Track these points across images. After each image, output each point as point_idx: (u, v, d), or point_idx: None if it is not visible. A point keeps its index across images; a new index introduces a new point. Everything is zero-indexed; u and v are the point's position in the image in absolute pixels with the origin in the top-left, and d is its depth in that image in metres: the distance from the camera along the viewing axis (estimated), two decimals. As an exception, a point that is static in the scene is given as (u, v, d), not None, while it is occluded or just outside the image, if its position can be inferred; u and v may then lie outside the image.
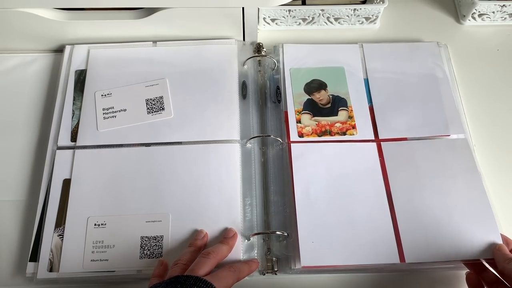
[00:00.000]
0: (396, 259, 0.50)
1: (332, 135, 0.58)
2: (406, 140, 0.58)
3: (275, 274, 0.51)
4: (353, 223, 0.52)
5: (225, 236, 0.51)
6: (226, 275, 0.46)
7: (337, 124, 0.59)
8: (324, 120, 0.59)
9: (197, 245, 0.50)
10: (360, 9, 0.67)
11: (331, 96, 0.61)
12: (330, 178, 0.55)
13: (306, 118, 0.59)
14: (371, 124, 0.59)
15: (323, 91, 0.61)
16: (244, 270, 0.48)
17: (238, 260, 0.51)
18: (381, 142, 0.58)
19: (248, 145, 0.58)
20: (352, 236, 0.51)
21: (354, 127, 0.59)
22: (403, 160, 0.56)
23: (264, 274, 0.52)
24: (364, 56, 0.64)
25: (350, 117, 0.59)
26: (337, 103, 0.60)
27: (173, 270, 0.46)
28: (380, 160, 0.56)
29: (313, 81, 0.62)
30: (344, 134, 0.58)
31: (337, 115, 0.59)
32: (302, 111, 0.59)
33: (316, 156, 0.56)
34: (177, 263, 0.47)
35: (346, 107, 0.60)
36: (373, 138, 0.58)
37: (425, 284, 0.52)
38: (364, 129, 0.59)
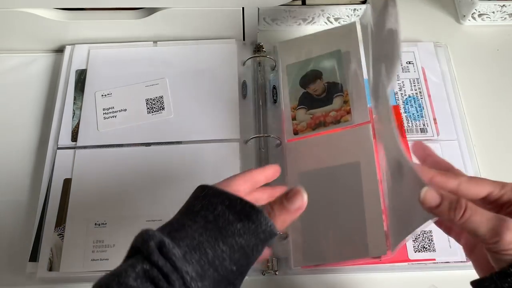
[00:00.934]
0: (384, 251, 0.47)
1: (326, 126, 0.55)
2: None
3: (275, 274, 0.51)
4: (341, 218, 0.50)
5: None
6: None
7: (332, 113, 0.56)
8: (319, 112, 0.57)
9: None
10: (360, 9, 0.67)
11: (326, 85, 0.59)
12: (321, 173, 0.53)
13: (301, 113, 0.58)
14: (367, 103, 0.54)
15: (318, 81, 0.59)
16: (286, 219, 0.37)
17: None
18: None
19: (248, 144, 0.58)
20: (343, 232, 0.49)
21: (348, 112, 0.55)
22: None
23: (264, 274, 0.52)
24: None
25: (345, 102, 0.56)
26: (332, 90, 0.58)
27: None
28: (374, 142, 0.52)
29: (307, 73, 0.60)
30: (339, 122, 0.55)
31: (332, 103, 0.57)
32: (298, 106, 0.59)
33: (306, 152, 0.55)
34: None
35: (342, 92, 0.57)
36: (369, 120, 0.53)
37: (424, 284, 0.52)
38: (359, 111, 0.54)
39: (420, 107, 0.61)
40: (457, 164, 0.56)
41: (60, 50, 0.66)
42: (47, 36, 0.64)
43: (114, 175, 0.55)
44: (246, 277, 0.51)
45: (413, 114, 0.61)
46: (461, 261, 0.51)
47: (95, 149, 0.57)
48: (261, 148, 0.58)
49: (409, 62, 0.64)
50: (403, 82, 0.63)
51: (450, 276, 0.52)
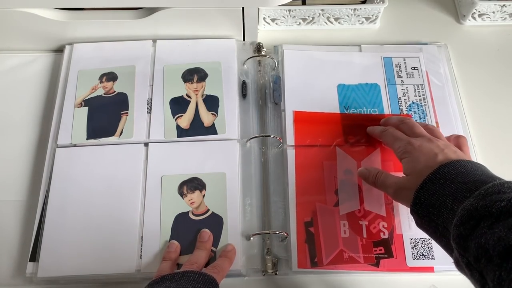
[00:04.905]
0: None
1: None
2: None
3: (275, 274, 0.52)
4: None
5: (225, 250, 0.51)
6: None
7: None
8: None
9: (172, 258, 0.50)
10: (360, 9, 0.67)
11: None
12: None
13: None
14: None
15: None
16: (226, 266, 0.49)
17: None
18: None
19: (248, 144, 0.58)
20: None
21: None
22: None
23: (264, 274, 0.52)
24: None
25: None
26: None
27: None
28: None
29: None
30: None
31: None
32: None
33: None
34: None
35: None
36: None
37: (424, 284, 0.52)
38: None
39: (423, 113, 0.61)
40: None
41: (60, 50, 0.66)
42: (47, 36, 0.64)
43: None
44: (246, 277, 0.51)
45: (416, 120, 0.60)
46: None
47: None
48: (261, 148, 0.58)
49: (414, 67, 0.64)
50: (407, 88, 0.63)
51: (451, 276, 0.52)
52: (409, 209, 0.44)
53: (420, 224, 0.44)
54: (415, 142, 0.48)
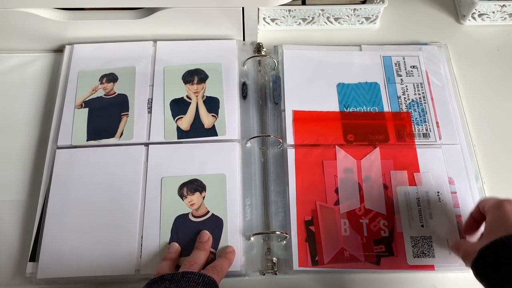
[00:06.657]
0: None
1: None
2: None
3: (275, 274, 0.52)
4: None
5: (225, 251, 0.51)
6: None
7: None
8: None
9: (172, 258, 0.50)
10: (360, 9, 0.67)
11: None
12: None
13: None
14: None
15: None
16: (225, 266, 0.49)
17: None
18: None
19: (248, 144, 0.58)
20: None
21: None
22: None
23: (264, 274, 0.52)
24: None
25: None
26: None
27: None
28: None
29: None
30: None
31: None
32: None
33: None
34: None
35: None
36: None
37: (425, 284, 0.52)
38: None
39: (423, 111, 0.61)
40: (458, 166, 0.57)
41: (60, 50, 0.66)
42: (47, 36, 0.64)
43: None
44: (246, 277, 0.51)
45: (416, 119, 0.60)
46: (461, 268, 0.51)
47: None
48: (261, 148, 0.58)
49: (413, 66, 0.64)
50: (406, 86, 0.63)
51: (451, 277, 0.52)
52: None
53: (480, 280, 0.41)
54: None
